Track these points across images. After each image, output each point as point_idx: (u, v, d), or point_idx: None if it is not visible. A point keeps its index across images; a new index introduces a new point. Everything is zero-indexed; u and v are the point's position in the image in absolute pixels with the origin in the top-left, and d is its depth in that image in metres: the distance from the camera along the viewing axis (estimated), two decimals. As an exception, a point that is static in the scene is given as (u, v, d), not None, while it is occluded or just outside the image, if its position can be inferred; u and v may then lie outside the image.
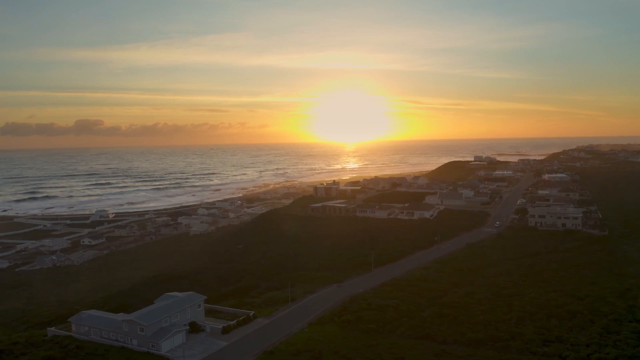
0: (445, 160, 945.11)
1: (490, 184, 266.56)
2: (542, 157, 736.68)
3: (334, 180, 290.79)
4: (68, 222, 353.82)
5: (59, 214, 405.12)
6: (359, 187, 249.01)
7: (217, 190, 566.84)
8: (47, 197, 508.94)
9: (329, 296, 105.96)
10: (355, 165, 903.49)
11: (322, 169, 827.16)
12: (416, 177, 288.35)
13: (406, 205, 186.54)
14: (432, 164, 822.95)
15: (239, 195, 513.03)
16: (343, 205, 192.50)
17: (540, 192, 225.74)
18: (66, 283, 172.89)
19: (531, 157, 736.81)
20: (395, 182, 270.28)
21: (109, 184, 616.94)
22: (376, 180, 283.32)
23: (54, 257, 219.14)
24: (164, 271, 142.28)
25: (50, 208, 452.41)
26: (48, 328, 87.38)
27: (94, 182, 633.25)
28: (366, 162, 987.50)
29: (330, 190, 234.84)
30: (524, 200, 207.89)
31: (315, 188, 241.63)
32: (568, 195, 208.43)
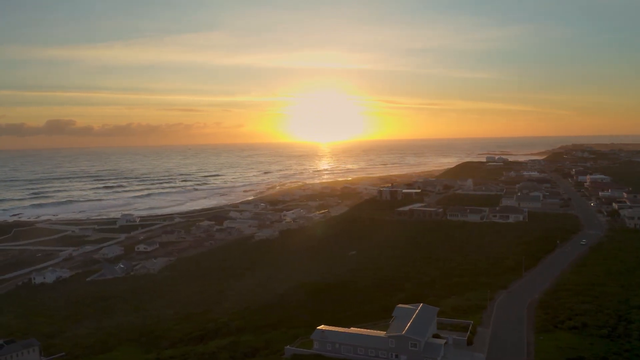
0: (442, 160, 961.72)
1: (539, 185, 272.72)
2: (543, 157, 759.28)
3: (392, 184, 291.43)
4: (96, 227, 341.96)
5: (79, 219, 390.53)
6: (419, 190, 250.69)
7: (224, 194, 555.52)
8: (56, 200, 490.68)
9: (512, 302, 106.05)
10: (356, 166, 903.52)
11: (327, 170, 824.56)
12: (463, 179, 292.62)
13: (497, 208, 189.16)
14: (432, 164, 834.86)
15: (250, 197, 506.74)
16: (432, 209, 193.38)
17: (601, 193, 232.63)
18: (165, 293, 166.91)
19: (531, 157, 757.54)
20: (447, 184, 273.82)
21: (112, 186, 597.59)
22: (431, 182, 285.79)
23: (121, 265, 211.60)
24: (303, 281, 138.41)
25: (60, 213, 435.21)
26: (286, 347, 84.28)
27: (101, 186, 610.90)
28: (365, 163, 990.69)
29: (395, 194, 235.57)
30: (596, 203, 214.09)
31: (380, 192, 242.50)
32: (636, 196, 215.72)
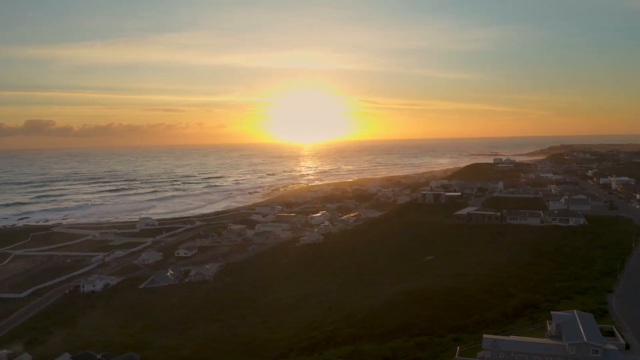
0: (439, 160, 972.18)
1: (573, 187, 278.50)
2: (535, 157, 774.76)
3: (431, 187, 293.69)
4: (116, 231, 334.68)
5: (94, 223, 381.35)
6: (459, 193, 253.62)
7: (231, 196, 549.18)
8: (63, 205, 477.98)
9: (628, 305, 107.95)
10: (353, 167, 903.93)
11: (327, 171, 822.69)
12: (495, 182, 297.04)
13: (555, 211, 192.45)
14: (431, 165, 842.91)
15: (260, 200, 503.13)
16: (491, 212, 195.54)
17: (639, 196, 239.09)
18: (237, 301, 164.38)
19: (522, 158, 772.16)
20: (481, 187, 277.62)
21: (117, 189, 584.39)
22: (467, 185, 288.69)
23: (171, 272, 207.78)
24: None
25: (70, 217, 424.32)
26: (456, 357, 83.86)
27: (105, 189, 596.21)
28: (361, 163, 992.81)
29: (439, 197, 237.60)
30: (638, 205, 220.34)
31: (423, 195, 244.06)
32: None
